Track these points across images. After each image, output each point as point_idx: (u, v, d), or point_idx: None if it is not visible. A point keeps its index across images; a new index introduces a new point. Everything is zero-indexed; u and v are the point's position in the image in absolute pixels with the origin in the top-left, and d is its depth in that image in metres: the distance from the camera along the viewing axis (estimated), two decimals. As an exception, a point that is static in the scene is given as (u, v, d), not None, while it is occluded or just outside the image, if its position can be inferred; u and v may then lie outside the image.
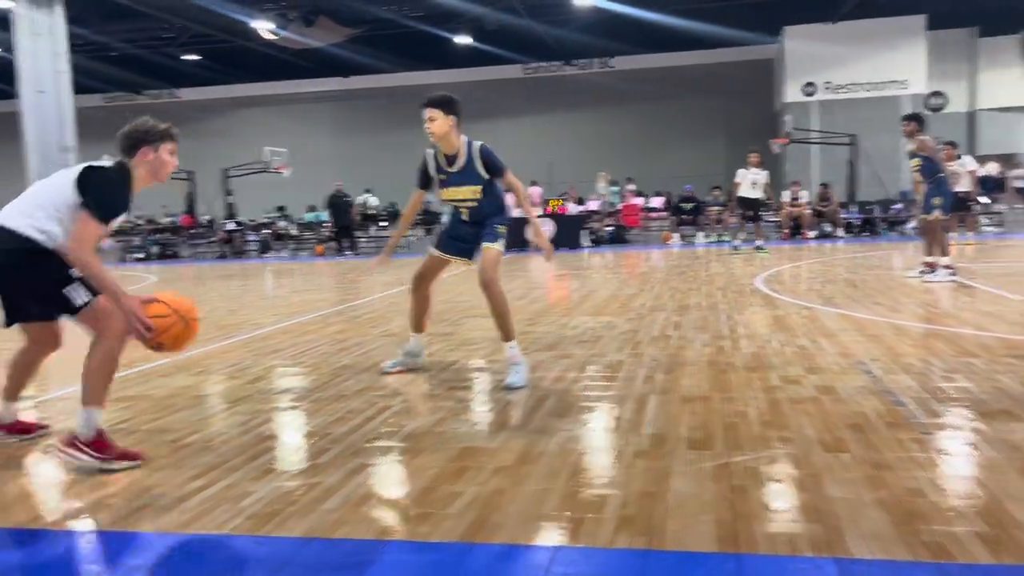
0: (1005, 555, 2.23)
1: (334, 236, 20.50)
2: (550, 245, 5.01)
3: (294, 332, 7.05)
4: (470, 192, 4.71)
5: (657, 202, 22.52)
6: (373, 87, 34.33)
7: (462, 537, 2.52)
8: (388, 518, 2.73)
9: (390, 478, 3.16)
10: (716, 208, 18.87)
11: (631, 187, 23.11)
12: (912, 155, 9.03)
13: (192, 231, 23.89)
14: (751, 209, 14.37)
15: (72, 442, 3.29)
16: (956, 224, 14.18)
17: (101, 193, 3.26)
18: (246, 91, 34.45)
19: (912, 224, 16.24)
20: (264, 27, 21.84)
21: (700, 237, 18.77)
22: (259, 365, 5.58)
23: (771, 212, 18.57)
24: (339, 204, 19.86)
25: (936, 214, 8.86)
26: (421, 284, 4.99)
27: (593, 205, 22.08)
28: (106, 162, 3.42)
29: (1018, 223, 18.37)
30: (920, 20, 26.00)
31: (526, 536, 2.51)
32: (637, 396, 4.23)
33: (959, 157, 15.79)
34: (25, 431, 3.85)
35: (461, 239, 4.89)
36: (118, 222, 3.42)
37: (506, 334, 4.68)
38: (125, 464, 3.32)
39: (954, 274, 8.69)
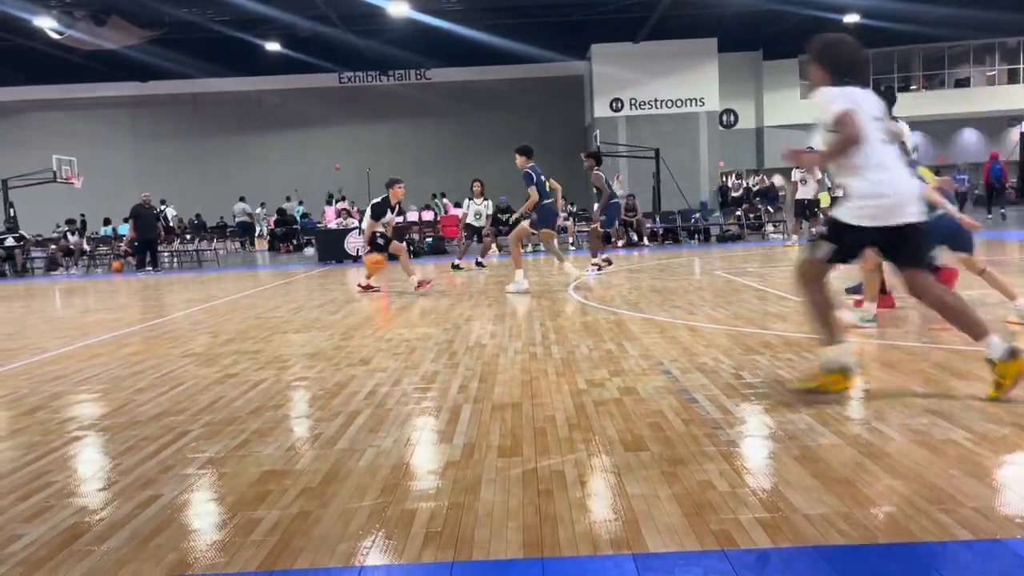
0: (782, 539, 2.40)
1: (135, 251, 19.10)
2: None
3: (82, 355, 6.49)
4: None
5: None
6: (176, 92, 32.45)
7: (261, 566, 2.39)
8: (180, 552, 2.54)
9: (184, 508, 2.95)
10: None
11: (446, 200, 23.29)
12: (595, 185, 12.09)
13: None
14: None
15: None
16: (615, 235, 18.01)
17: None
18: (29, 94, 31.54)
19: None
20: (48, 25, 20.07)
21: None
22: (39, 393, 5.08)
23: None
24: (144, 216, 18.52)
25: (597, 226, 12.27)
26: None
27: (412, 216, 22.04)
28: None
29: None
30: (712, 43, 28.10)
31: (329, 559, 2.42)
32: (451, 406, 4.22)
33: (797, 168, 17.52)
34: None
35: None
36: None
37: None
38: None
39: (600, 269, 11.83)
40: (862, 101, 3.81)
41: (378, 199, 10.38)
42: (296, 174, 31.85)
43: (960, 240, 5.73)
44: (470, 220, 15.43)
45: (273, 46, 26.95)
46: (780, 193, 22.44)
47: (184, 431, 3.97)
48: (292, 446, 3.63)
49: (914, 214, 3.82)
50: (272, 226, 25.80)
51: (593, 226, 12.16)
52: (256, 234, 28.43)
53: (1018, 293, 5.86)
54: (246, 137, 33.45)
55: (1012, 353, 3.74)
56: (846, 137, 3.70)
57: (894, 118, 6.37)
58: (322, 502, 2.90)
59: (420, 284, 10.15)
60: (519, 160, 10.18)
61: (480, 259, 14.71)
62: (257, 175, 32.65)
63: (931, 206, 5.36)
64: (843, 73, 3.91)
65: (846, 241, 3.92)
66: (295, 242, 24.36)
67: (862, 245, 4.00)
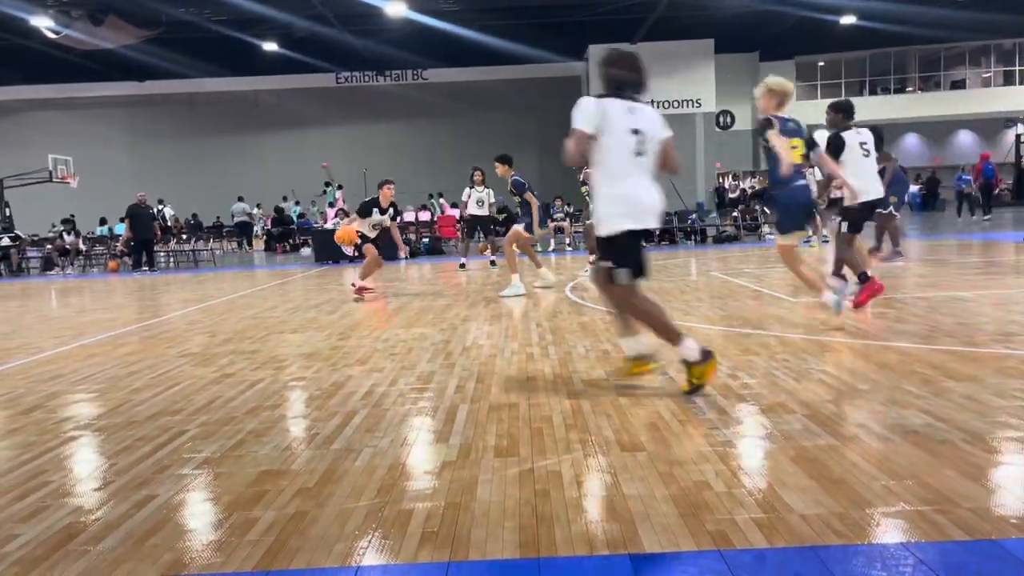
0: (777, 538, 2.41)
1: (131, 251, 19.08)
2: None
3: (78, 355, 6.48)
4: None
5: (472, 213, 22.80)
6: (173, 92, 32.40)
7: (257, 566, 2.39)
8: (175, 552, 2.54)
9: (180, 508, 2.94)
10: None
11: (442, 200, 23.27)
12: (583, 183, 12.38)
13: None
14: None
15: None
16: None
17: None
18: (26, 93, 31.47)
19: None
20: (45, 25, 20.04)
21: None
22: (35, 393, 5.07)
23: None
24: (140, 216, 18.51)
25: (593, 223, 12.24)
26: None
27: (409, 216, 22.05)
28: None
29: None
30: (709, 44, 28.13)
31: (326, 559, 2.42)
32: (447, 406, 4.22)
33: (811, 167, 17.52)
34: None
35: None
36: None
37: None
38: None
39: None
40: (619, 114, 4.06)
41: (368, 199, 10.20)
42: (293, 174, 31.84)
43: (791, 217, 5.89)
44: (471, 209, 14.65)
45: (270, 46, 26.92)
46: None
47: (180, 431, 3.97)
48: (289, 446, 3.63)
49: (654, 222, 4.15)
50: (268, 226, 25.79)
51: (589, 223, 12.40)
52: (254, 234, 28.43)
53: (822, 286, 6.03)
54: (243, 137, 33.42)
55: (705, 355, 4.04)
56: (568, 152, 4.04)
57: (848, 125, 6.73)
58: (319, 502, 2.89)
59: (360, 289, 9.74)
60: (500, 169, 10.04)
61: (493, 258, 14.58)
62: (254, 175, 32.62)
63: (787, 178, 5.71)
64: (618, 87, 4.17)
65: (622, 252, 4.13)
66: (291, 242, 24.35)
67: (635, 249, 4.17)
